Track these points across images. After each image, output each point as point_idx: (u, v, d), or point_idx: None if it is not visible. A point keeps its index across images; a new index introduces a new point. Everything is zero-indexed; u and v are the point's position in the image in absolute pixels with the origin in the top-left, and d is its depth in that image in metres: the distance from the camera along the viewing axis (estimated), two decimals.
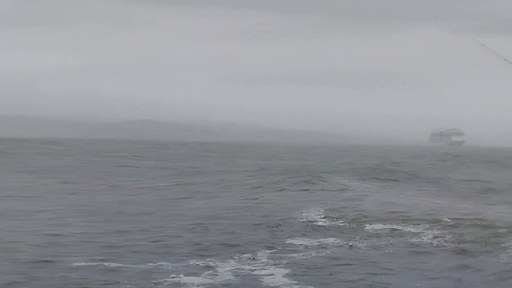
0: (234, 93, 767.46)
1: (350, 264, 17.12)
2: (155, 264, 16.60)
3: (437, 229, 21.36)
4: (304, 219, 24.22)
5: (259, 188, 36.19)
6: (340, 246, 19.51)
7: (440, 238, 20.30)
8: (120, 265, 16.54)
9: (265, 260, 17.33)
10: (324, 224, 23.30)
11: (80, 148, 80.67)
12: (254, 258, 17.63)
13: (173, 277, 15.26)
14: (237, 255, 17.81)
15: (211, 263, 16.67)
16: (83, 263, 16.61)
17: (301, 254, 18.18)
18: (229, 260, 17.16)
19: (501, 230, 21.01)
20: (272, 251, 18.51)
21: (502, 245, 18.92)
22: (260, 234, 21.12)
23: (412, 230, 21.72)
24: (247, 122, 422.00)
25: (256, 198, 31.65)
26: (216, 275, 15.55)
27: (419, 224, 22.44)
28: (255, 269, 16.18)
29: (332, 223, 23.47)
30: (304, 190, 34.38)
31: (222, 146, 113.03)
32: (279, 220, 23.87)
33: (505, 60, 23.30)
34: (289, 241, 20.22)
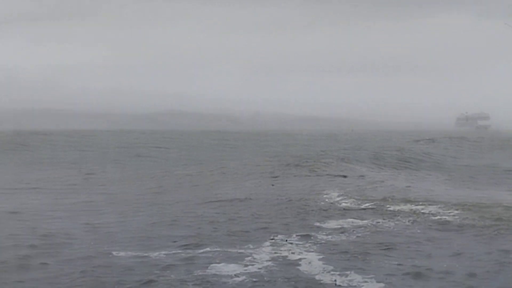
0: (260, 83, 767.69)
1: (386, 248, 17.05)
2: (194, 253, 16.58)
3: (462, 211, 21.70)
4: (327, 202, 24.80)
5: (278, 174, 36.68)
6: (368, 227, 19.70)
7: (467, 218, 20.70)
8: (160, 253, 16.53)
9: (299, 244, 17.36)
10: (348, 206, 23.84)
11: (105, 139, 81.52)
12: (287, 241, 17.83)
13: (214, 266, 15.18)
14: (270, 240, 17.90)
15: (248, 250, 16.65)
16: (123, 253, 16.62)
17: (331, 236, 18.42)
18: (264, 246, 17.21)
19: None
20: (302, 234, 18.69)
21: None
22: (288, 218, 21.39)
23: (435, 211, 22.05)
24: (273, 111, 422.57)
25: (276, 184, 32.19)
26: (255, 262, 15.40)
27: (441, 206, 22.77)
28: (291, 255, 16.04)
29: (355, 205, 23.93)
30: (323, 175, 35.45)
31: (246, 134, 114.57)
32: (303, 203, 24.25)
33: None
34: (317, 224, 20.39)
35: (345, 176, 34.91)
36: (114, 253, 16.84)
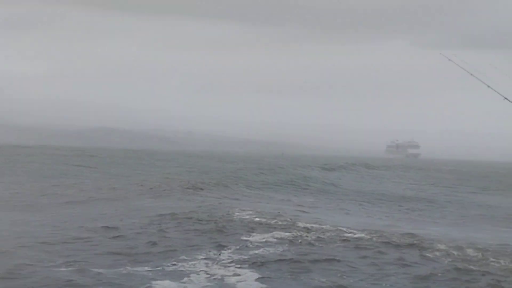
0: (195, 101, 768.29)
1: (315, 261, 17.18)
2: (127, 270, 15.94)
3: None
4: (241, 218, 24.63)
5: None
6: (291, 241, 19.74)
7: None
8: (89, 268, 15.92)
9: (229, 260, 17.13)
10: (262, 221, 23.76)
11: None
12: (220, 255, 17.70)
13: (152, 283, 14.59)
14: (201, 255, 17.56)
15: (183, 267, 16.30)
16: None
17: (260, 250, 18.32)
18: (198, 261, 16.92)
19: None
20: (231, 249, 18.48)
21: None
22: (211, 233, 21.03)
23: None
24: (207, 131, 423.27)
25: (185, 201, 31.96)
26: (192, 281, 14.98)
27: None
28: (223, 273, 15.77)
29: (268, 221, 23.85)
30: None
31: (173, 154, 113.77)
32: (219, 219, 24.07)
33: (471, 74, 23.29)
34: (244, 238, 20.32)
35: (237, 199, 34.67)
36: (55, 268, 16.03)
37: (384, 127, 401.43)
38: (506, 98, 21.16)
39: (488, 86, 22.74)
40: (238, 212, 25.93)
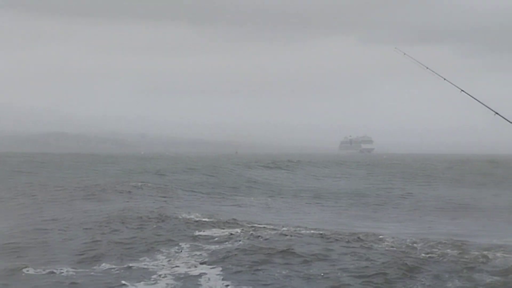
0: (147, 104, 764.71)
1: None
2: (93, 269, 15.99)
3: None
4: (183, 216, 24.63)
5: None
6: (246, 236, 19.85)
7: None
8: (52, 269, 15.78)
9: (188, 256, 17.29)
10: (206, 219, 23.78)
11: None
12: (181, 252, 17.82)
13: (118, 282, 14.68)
14: (162, 253, 17.70)
15: (147, 265, 16.42)
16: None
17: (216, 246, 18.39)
18: (160, 260, 16.98)
19: None
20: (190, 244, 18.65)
21: None
22: (160, 231, 21.07)
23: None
24: (160, 133, 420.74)
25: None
26: (158, 279, 15.15)
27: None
28: (184, 268, 16.02)
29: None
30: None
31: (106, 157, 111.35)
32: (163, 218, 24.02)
33: (427, 68, 22.88)
34: (197, 233, 20.55)
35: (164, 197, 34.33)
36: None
37: (338, 124, 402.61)
38: (463, 91, 20.88)
39: (445, 79, 22.61)
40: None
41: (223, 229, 21.34)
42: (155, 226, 22.00)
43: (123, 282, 14.40)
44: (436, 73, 22.82)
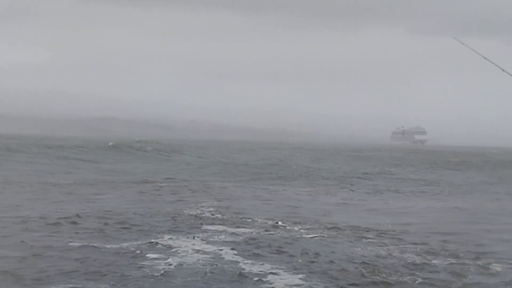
0: (197, 90, 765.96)
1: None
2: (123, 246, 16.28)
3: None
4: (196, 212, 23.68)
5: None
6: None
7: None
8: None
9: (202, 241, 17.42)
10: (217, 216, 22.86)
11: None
12: (194, 238, 17.88)
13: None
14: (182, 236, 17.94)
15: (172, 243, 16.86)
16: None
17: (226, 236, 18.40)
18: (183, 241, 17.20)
19: None
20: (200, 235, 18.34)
21: None
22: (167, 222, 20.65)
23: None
24: (209, 120, 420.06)
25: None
26: (185, 255, 15.59)
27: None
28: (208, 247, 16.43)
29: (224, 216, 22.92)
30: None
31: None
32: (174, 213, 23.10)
33: (485, 58, 22.58)
34: (204, 227, 20.00)
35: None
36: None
37: (388, 115, 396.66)
38: None
39: (503, 70, 22.13)
40: None
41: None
42: None
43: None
44: (494, 63, 22.70)
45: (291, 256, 15.93)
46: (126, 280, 12.96)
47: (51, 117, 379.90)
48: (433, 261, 15.59)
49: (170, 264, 14.53)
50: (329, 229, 20.48)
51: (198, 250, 16.30)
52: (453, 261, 15.66)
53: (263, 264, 14.90)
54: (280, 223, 21.42)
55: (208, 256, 15.49)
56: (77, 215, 21.16)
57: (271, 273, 13.96)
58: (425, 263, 15.41)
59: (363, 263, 15.21)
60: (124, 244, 16.66)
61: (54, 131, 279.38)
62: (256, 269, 14.38)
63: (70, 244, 16.39)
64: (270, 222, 21.58)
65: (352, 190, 37.00)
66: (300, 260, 15.39)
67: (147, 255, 15.32)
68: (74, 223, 19.89)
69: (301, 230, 20.02)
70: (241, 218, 22.30)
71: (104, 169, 50.50)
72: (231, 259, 15.37)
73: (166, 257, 15.21)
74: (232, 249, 16.48)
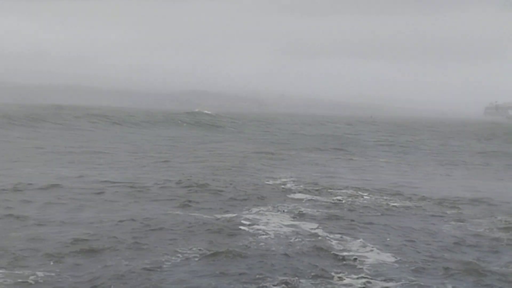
0: (286, 65, 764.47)
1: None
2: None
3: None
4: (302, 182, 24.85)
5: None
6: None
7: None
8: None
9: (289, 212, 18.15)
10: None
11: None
12: (283, 211, 18.43)
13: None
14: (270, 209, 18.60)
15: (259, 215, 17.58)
16: None
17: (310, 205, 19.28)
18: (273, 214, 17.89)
19: None
20: (289, 204, 19.35)
21: None
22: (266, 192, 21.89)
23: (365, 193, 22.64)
24: (299, 94, 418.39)
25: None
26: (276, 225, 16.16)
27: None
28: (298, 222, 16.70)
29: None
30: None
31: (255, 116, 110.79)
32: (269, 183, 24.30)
33: None
34: (292, 195, 21.29)
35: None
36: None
37: (482, 90, 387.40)
38: None
39: None
40: None
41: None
42: None
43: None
44: None
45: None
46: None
47: (145, 90, 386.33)
48: None
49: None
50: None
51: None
52: None
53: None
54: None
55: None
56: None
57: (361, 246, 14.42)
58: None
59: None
60: None
61: (148, 104, 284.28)
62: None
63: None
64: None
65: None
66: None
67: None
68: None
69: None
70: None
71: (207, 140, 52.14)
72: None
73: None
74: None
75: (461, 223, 17.59)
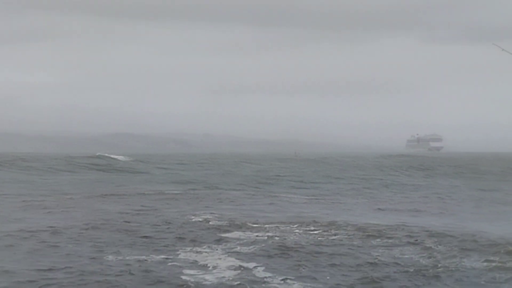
0: (211, 104, 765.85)
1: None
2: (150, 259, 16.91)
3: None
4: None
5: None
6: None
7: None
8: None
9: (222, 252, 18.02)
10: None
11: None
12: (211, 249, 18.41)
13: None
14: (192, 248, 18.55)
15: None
16: None
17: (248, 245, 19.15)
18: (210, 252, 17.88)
19: None
20: (221, 245, 19.24)
21: None
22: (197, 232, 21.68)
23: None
24: (223, 133, 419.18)
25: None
26: (216, 268, 15.96)
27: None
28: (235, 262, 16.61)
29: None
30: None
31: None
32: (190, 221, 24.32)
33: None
34: (223, 235, 21.10)
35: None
36: None
37: (404, 124, 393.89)
38: None
39: None
40: None
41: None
42: None
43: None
44: None
45: None
46: None
47: (68, 134, 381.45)
48: None
49: None
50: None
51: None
52: None
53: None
54: None
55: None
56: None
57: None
58: None
59: None
60: None
61: (72, 148, 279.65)
62: None
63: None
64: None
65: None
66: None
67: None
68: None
69: None
70: None
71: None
72: None
73: None
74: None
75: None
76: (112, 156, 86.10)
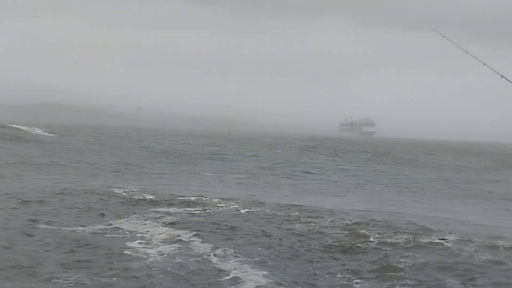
0: (144, 79, 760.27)
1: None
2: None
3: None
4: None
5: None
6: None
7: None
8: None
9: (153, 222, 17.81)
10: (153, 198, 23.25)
11: None
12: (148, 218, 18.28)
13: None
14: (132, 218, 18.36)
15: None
16: None
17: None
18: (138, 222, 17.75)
19: None
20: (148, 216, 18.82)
21: None
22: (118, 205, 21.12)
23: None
24: (156, 108, 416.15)
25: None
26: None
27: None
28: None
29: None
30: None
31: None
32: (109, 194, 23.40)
33: (466, 52, 23.30)
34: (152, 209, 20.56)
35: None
36: None
37: (338, 109, 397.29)
38: (503, 76, 21.01)
39: (484, 64, 22.85)
40: None
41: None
42: None
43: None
44: (476, 57, 23.41)
45: None
46: None
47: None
48: None
49: None
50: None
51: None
52: None
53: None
54: None
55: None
56: None
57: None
58: None
59: None
60: None
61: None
62: None
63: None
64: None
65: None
66: None
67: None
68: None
69: None
70: None
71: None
72: None
73: None
74: None
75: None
76: (24, 128, 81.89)
